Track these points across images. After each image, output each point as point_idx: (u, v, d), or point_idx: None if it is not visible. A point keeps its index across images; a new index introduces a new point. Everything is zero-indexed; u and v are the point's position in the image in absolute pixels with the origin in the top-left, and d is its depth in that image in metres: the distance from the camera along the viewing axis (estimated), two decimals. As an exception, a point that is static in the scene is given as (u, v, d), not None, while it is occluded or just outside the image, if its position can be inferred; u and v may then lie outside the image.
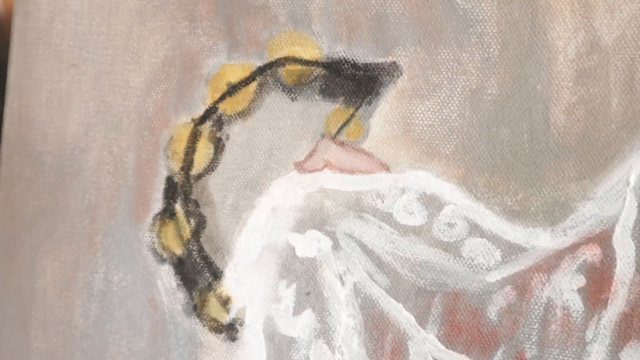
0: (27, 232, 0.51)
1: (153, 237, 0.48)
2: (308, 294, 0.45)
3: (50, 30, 0.51)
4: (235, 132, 0.47)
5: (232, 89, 0.47)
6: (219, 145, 0.47)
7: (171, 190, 0.48)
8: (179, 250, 0.48)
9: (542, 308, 0.42)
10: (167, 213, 0.48)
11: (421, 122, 0.44)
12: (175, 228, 0.48)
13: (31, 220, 0.51)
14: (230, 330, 0.47)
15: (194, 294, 0.47)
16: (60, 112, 0.51)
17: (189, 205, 0.48)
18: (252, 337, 0.46)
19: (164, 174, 0.48)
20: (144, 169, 0.49)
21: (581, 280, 0.42)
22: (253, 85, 0.47)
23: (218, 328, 0.47)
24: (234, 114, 0.47)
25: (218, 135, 0.47)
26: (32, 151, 0.51)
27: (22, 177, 0.51)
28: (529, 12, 0.43)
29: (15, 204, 0.51)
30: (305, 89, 0.46)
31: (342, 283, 0.45)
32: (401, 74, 0.45)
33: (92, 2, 0.50)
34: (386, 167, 0.45)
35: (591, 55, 0.42)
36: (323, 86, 0.46)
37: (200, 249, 0.47)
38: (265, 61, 0.47)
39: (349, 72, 0.45)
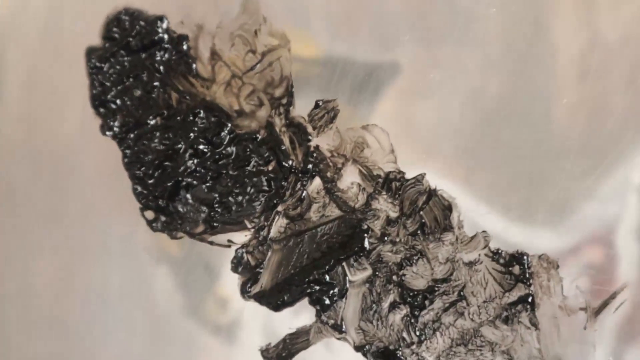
0: (25, 232, 0.51)
1: (151, 238, 0.48)
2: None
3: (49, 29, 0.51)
4: (233, 132, 0.47)
5: (231, 88, 0.47)
6: (217, 145, 0.47)
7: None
8: (176, 251, 0.47)
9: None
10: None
11: (422, 121, 0.44)
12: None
13: (29, 220, 0.51)
14: (228, 331, 0.46)
15: (191, 294, 0.47)
16: (59, 112, 0.50)
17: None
18: (250, 338, 0.46)
19: (161, 174, 0.48)
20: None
21: (584, 281, 0.41)
22: (252, 84, 0.47)
23: (216, 329, 0.46)
24: (233, 113, 0.47)
25: (216, 134, 0.47)
26: (30, 151, 0.51)
27: (21, 177, 0.51)
28: (531, 10, 0.42)
29: (14, 203, 0.51)
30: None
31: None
32: (401, 72, 0.44)
33: (91, 1, 0.50)
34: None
35: (594, 54, 0.41)
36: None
37: (198, 250, 0.47)
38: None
39: (348, 70, 0.45)
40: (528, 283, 0.41)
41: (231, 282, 0.46)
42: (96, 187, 0.49)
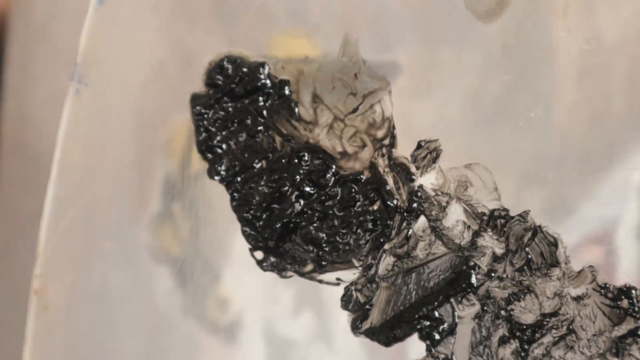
0: (25, 233, 0.51)
1: (150, 238, 0.48)
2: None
3: (48, 29, 0.51)
4: (233, 132, 0.47)
5: (231, 88, 0.47)
6: (217, 145, 0.47)
7: (169, 191, 0.48)
8: (176, 251, 0.47)
9: (544, 309, 0.42)
10: (165, 213, 0.48)
11: (422, 121, 0.44)
12: (173, 229, 0.48)
13: (29, 221, 0.51)
14: (228, 332, 0.46)
15: (191, 295, 0.47)
16: (57, 112, 0.50)
17: (187, 205, 0.47)
18: (250, 338, 0.46)
19: (161, 174, 0.48)
20: (142, 169, 0.49)
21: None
22: (252, 84, 0.47)
23: (216, 329, 0.46)
24: (233, 113, 0.47)
25: (216, 134, 0.47)
26: (29, 151, 0.51)
27: (20, 177, 0.51)
28: (531, 9, 0.42)
29: (14, 203, 0.51)
30: (304, 87, 0.46)
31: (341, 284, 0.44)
32: (401, 72, 0.44)
33: (89, 1, 0.50)
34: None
35: (594, 54, 0.41)
36: (323, 85, 0.45)
37: (198, 250, 0.47)
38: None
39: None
40: (637, 317, 0.41)
41: (231, 282, 0.46)
42: (96, 188, 0.49)
